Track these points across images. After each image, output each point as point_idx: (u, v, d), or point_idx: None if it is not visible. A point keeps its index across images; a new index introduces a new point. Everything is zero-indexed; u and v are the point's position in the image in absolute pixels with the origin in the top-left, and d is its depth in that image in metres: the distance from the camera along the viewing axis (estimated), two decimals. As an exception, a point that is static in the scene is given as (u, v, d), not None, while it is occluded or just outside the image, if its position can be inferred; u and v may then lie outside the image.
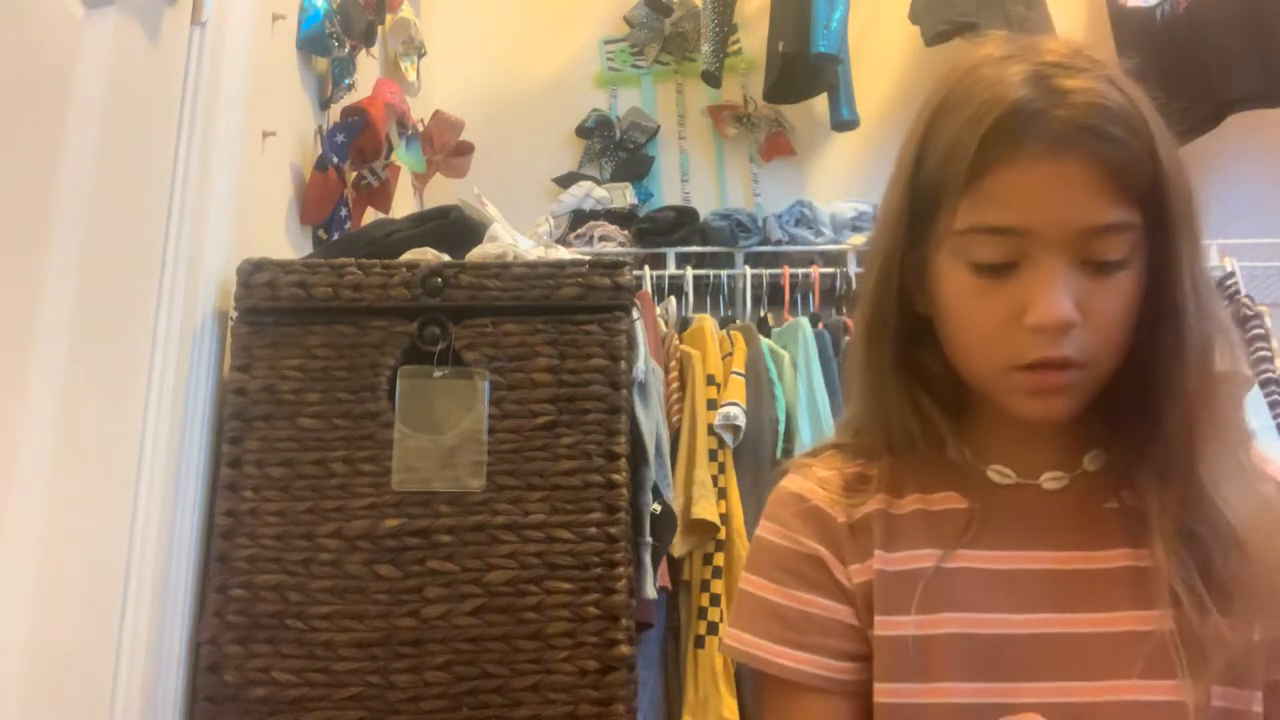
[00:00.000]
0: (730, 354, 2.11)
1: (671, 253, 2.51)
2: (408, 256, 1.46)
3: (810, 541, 0.76)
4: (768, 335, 2.24)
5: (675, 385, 2.08)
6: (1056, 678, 0.67)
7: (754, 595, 0.77)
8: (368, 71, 2.10)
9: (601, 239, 2.51)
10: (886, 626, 0.72)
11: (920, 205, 0.71)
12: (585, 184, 2.65)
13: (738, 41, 2.91)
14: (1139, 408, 0.70)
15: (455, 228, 1.56)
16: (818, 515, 0.77)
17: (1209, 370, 0.68)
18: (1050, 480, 0.73)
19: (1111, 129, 0.65)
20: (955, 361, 0.73)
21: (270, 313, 1.36)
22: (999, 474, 0.74)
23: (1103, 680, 0.67)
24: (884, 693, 0.72)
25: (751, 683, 1.87)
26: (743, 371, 2.07)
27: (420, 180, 2.41)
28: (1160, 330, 0.68)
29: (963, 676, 0.69)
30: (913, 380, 0.75)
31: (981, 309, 0.68)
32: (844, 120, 2.64)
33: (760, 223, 2.56)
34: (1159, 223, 0.67)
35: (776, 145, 2.86)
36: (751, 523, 1.96)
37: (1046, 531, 0.72)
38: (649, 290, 2.34)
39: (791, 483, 0.80)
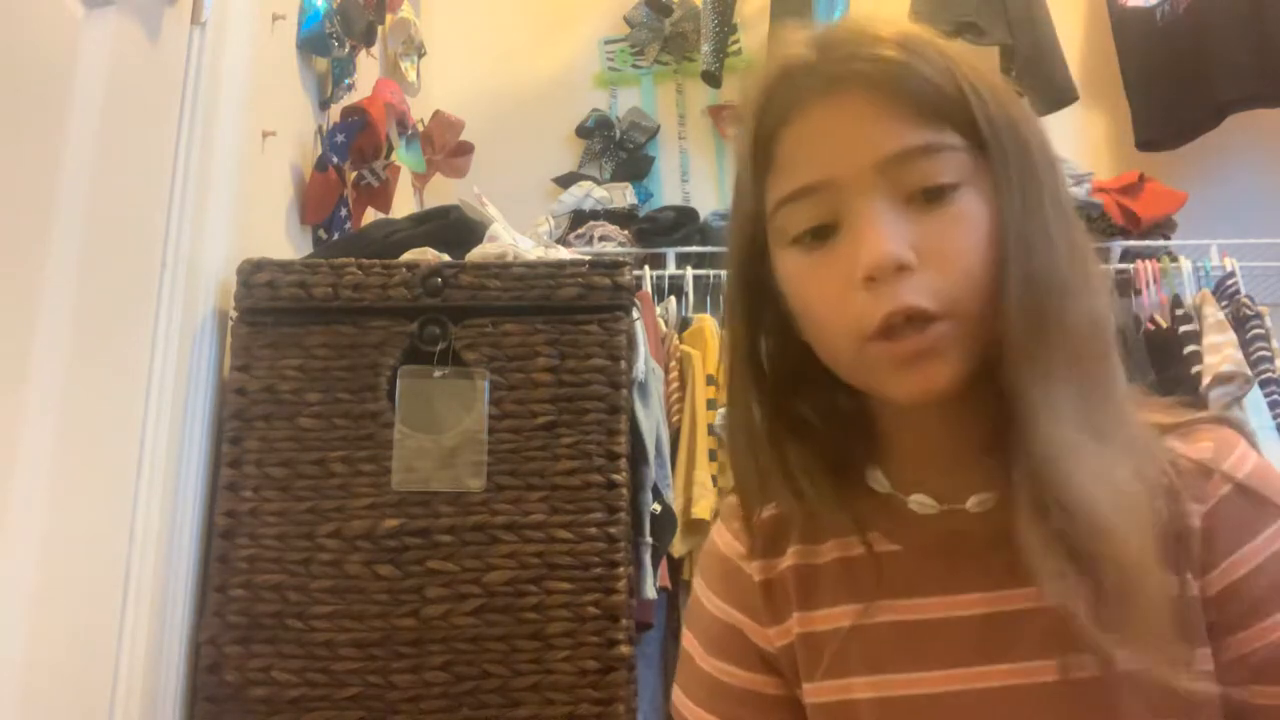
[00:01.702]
0: (730, 354, 2.10)
1: (671, 253, 2.51)
2: (408, 256, 1.46)
3: (729, 608, 0.72)
4: (768, 335, 2.23)
5: (675, 385, 2.08)
6: None
7: (687, 653, 0.74)
8: (368, 71, 2.10)
9: (601, 239, 2.51)
10: (811, 693, 0.67)
11: (745, 221, 0.64)
12: (585, 184, 2.65)
13: (738, 41, 2.91)
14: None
15: (455, 228, 1.56)
16: (736, 576, 0.72)
17: (1045, 315, 0.57)
18: (977, 504, 0.63)
19: (889, 53, 0.58)
20: (829, 365, 0.63)
21: (270, 313, 1.36)
22: (920, 504, 0.65)
23: None
24: None
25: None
26: (743, 371, 2.06)
27: (420, 180, 2.41)
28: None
29: None
30: (787, 437, 0.65)
31: (817, 285, 0.60)
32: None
33: (760, 223, 2.56)
34: (980, 149, 0.58)
35: (776, 145, 2.86)
36: (751, 523, 1.96)
37: (974, 570, 0.63)
38: (649, 290, 2.34)
39: (717, 533, 0.75)
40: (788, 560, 0.69)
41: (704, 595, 0.74)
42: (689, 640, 0.74)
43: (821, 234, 0.59)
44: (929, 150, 0.57)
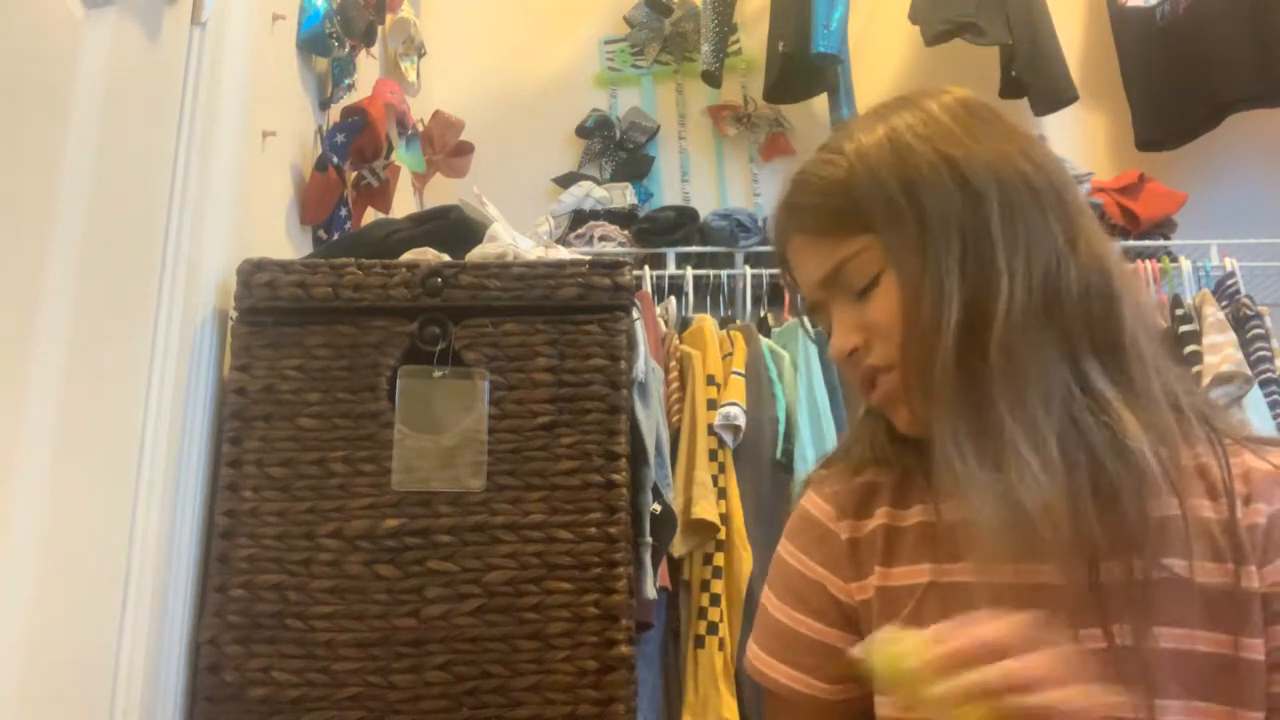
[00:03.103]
0: (730, 354, 2.11)
1: (671, 253, 2.51)
2: (408, 256, 1.46)
3: (815, 565, 0.81)
4: (768, 335, 2.24)
5: (675, 385, 2.08)
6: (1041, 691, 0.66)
7: (765, 610, 0.83)
8: (368, 71, 2.10)
9: (601, 239, 2.51)
10: None
11: None
12: (585, 184, 2.65)
13: (738, 41, 2.91)
14: None
15: (455, 228, 1.56)
16: (825, 537, 0.81)
17: (933, 351, 0.69)
18: None
19: (806, 200, 0.78)
20: None
21: (270, 313, 1.36)
22: None
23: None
24: (885, 704, 0.74)
25: (752, 684, 1.87)
26: (743, 371, 2.07)
27: (420, 180, 2.41)
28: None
29: None
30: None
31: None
32: (844, 120, 2.64)
33: (760, 223, 2.56)
34: (914, 220, 0.72)
35: (776, 145, 2.86)
36: (752, 523, 1.96)
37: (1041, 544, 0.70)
38: (649, 290, 2.34)
39: (808, 501, 0.84)
40: (877, 520, 0.79)
41: (789, 554, 0.84)
42: (767, 597, 0.84)
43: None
44: (842, 264, 0.75)
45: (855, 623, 0.78)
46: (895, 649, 0.59)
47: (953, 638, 0.58)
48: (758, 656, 0.83)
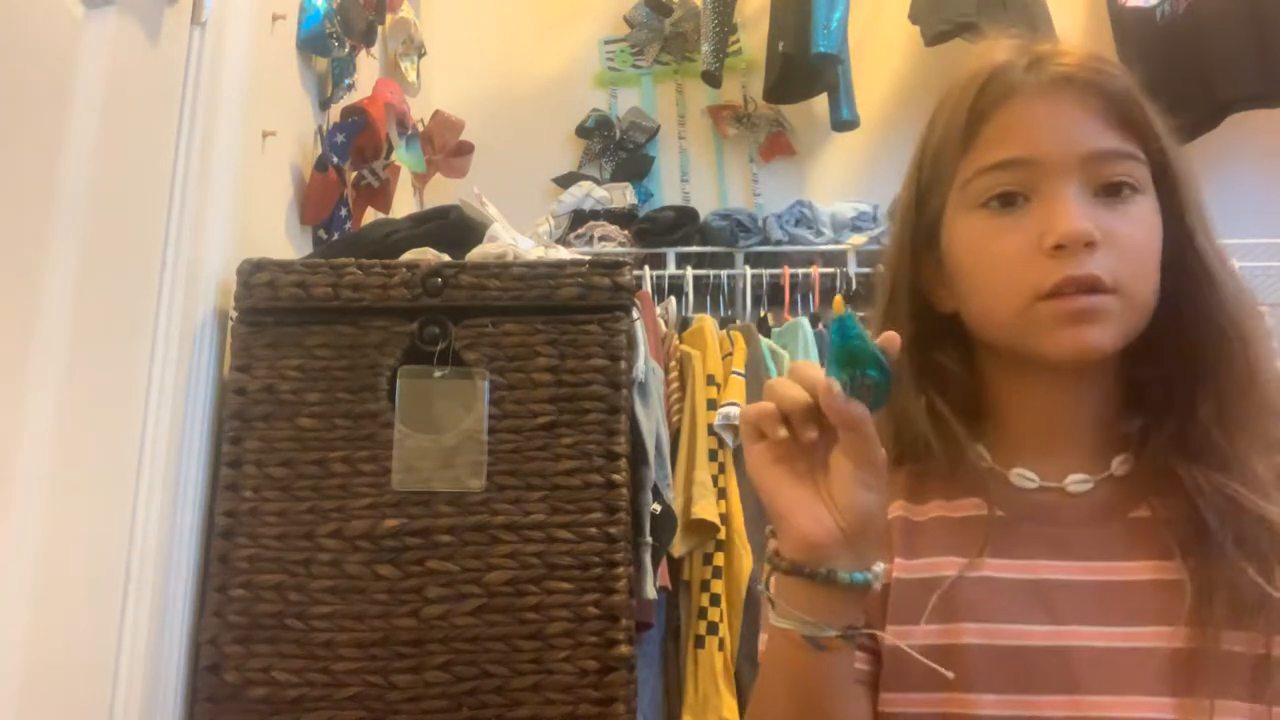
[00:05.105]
0: (730, 354, 2.11)
1: (671, 253, 2.51)
2: (408, 256, 1.46)
3: None
4: (768, 335, 2.24)
5: (675, 385, 2.08)
6: (1078, 691, 0.66)
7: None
8: (368, 71, 2.10)
9: (601, 239, 2.51)
10: (900, 635, 0.70)
11: (925, 191, 0.73)
12: (585, 184, 2.66)
13: (738, 41, 2.91)
14: (1171, 395, 0.68)
15: (455, 228, 1.56)
16: None
17: (1246, 329, 0.66)
18: (1075, 484, 0.71)
19: (1106, 68, 0.69)
20: (980, 323, 0.72)
21: (270, 313, 1.36)
22: (1021, 478, 0.72)
23: (1125, 695, 0.65)
24: (893, 702, 0.70)
25: (752, 683, 1.87)
26: (743, 371, 2.07)
27: (420, 180, 2.41)
28: (1187, 285, 0.67)
29: (982, 688, 0.67)
30: (929, 385, 0.74)
31: (1000, 247, 0.68)
32: (844, 120, 2.64)
33: (760, 223, 2.57)
34: (1163, 170, 0.68)
35: (776, 145, 2.86)
36: (752, 522, 1.96)
37: (1071, 541, 0.70)
38: (649, 290, 2.34)
39: None
40: (893, 513, 0.75)
41: None
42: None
43: (1009, 201, 0.68)
44: (1125, 155, 0.67)
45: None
46: None
47: None
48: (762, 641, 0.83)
